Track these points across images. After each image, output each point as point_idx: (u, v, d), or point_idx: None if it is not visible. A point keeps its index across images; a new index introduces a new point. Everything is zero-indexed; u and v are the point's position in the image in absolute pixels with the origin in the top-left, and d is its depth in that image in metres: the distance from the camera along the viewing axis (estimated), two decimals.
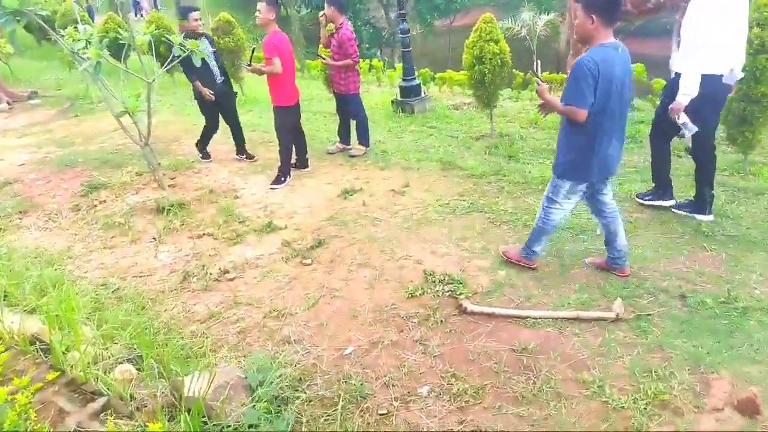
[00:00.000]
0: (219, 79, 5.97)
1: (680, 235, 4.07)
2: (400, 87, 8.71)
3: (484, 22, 6.69)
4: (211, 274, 4.02)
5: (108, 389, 2.40)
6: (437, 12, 26.24)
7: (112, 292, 3.82)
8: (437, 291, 3.58)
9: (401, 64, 8.94)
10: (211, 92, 5.88)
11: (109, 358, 2.75)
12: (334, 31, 5.96)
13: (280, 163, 5.65)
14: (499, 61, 6.64)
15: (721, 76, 3.87)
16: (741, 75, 4.22)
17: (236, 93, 6.30)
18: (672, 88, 4.08)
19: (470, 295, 3.52)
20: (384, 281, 3.77)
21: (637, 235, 4.12)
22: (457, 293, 3.53)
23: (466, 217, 4.60)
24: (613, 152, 3.20)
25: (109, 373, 2.62)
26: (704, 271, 3.60)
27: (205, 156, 6.48)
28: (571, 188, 3.33)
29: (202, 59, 5.09)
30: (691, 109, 3.85)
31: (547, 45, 16.22)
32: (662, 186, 4.56)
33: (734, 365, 2.74)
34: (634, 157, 6.02)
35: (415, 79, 8.69)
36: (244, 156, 6.47)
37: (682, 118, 3.88)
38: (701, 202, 4.27)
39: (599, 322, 3.18)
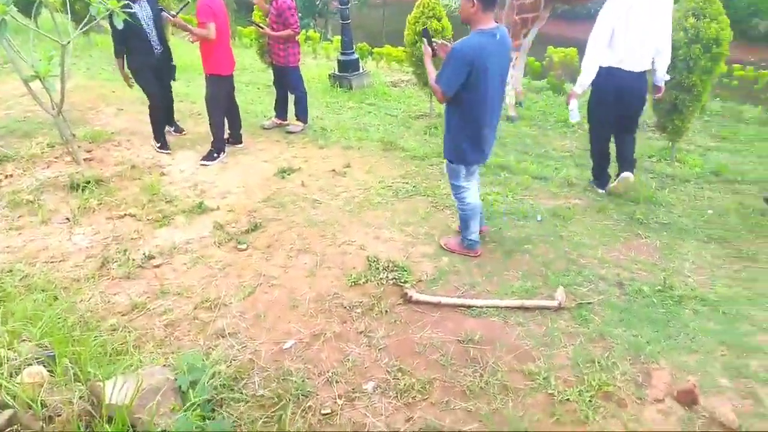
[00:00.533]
0: (157, 49, 5.16)
1: (616, 222, 4.16)
2: (339, 61, 8.41)
3: None
4: (133, 259, 3.68)
5: (14, 399, 2.10)
6: None
7: (20, 280, 3.41)
8: (381, 279, 3.45)
9: (339, 37, 8.64)
10: (132, 80, 5.18)
11: (16, 359, 2.43)
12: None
13: (212, 138, 5.28)
14: (441, 38, 6.49)
15: (610, 68, 4.07)
16: (667, 77, 4.38)
17: (175, 66, 5.52)
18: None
19: (415, 283, 3.43)
20: (326, 268, 3.60)
21: (575, 221, 4.16)
22: (402, 281, 3.42)
23: (409, 200, 4.48)
24: (492, 135, 3.35)
25: (16, 377, 2.31)
26: (640, 258, 3.69)
27: (164, 146, 5.48)
28: (467, 170, 3.44)
29: (139, 24, 4.60)
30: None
31: None
32: (597, 173, 4.71)
33: (672, 355, 2.81)
34: (566, 142, 6.12)
35: (353, 53, 8.42)
36: (173, 128, 5.91)
37: (571, 105, 4.25)
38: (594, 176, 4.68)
39: (542, 310, 3.17)
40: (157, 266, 3.64)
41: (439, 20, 6.47)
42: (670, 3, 4.11)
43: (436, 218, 4.21)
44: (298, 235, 3.99)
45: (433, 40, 3.36)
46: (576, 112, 4.29)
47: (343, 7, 8.06)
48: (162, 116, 5.55)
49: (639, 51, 4.07)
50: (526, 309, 3.18)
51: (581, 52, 8.14)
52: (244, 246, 3.87)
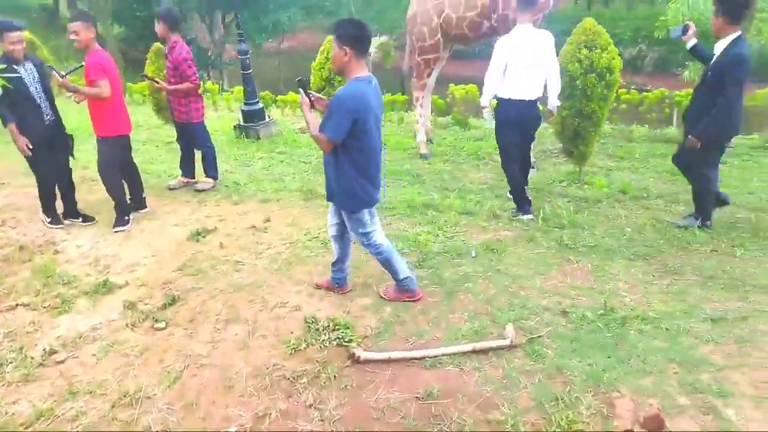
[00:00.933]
0: (48, 116, 4.59)
1: (547, 249, 4.20)
2: (243, 111, 8.14)
3: (330, 42, 6.49)
4: (32, 357, 3.16)
5: None
6: (265, 33, 25.79)
7: None
8: (323, 341, 3.20)
9: (240, 87, 8.40)
10: (30, 146, 4.47)
11: None
12: (166, 51, 5.29)
13: (115, 203, 4.81)
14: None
15: (508, 99, 4.57)
16: (558, 103, 4.81)
17: (72, 137, 4.89)
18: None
19: (360, 340, 3.20)
20: (260, 337, 3.28)
21: (508, 253, 4.16)
22: (346, 340, 3.18)
23: None
24: (377, 178, 3.31)
25: None
26: (577, 284, 3.71)
27: (56, 220, 4.88)
28: (370, 213, 3.36)
29: (27, 90, 4.15)
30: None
31: (381, 67, 16.68)
32: (519, 200, 4.91)
33: (629, 380, 2.78)
34: (481, 174, 6.24)
35: (258, 102, 8.19)
36: (80, 219, 4.99)
37: (486, 114, 4.97)
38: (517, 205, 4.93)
39: (496, 351, 3.06)
40: (61, 362, 3.14)
41: None
42: (551, 39, 4.59)
43: (371, 266, 4.02)
44: (223, 303, 3.64)
45: (309, 91, 3.24)
46: (490, 118, 4.95)
47: (243, 57, 7.86)
48: (53, 194, 4.88)
49: (528, 82, 4.53)
50: (479, 352, 3.06)
51: (480, 88, 8.51)
52: (162, 324, 3.46)
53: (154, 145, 7.73)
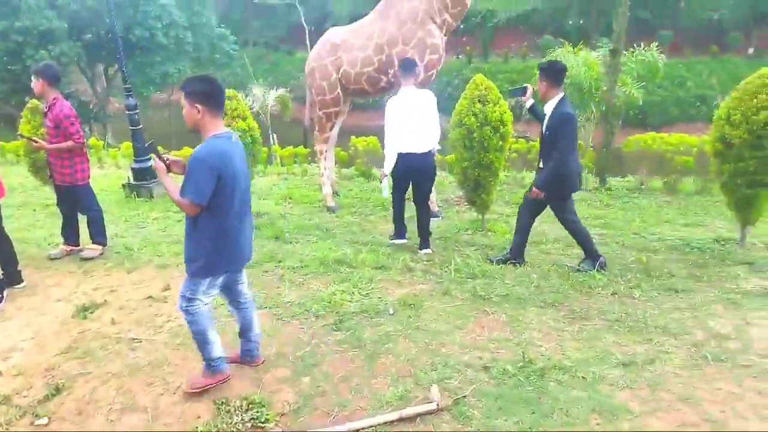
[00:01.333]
0: None
1: (463, 302, 4.21)
2: (133, 169, 7.64)
3: (228, 98, 6.29)
4: None
5: None
6: (153, 86, 24.94)
7: None
8: (236, 423, 2.90)
9: (128, 143, 7.91)
10: None
11: None
12: (45, 109, 4.83)
13: None
14: (249, 138, 6.29)
15: (405, 154, 5.06)
16: (438, 147, 5.33)
17: None
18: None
19: (278, 419, 2.95)
20: (162, 426, 2.92)
21: (426, 308, 4.11)
22: (262, 421, 2.92)
23: None
24: (244, 241, 3.09)
25: None
26: (494, 336, 3.73)
27: None
28: (210, 283, 3.03)
29: None
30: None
31: (279, 119, 16.64)
32: (398, 228, 5.54)
33: None
34: (390, 226, 6.23)
35: (150, 159, 7.73)
36: None
37: (383, 183, 5.35)
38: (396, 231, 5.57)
39: (423, 416, 2.95)
40: None
41: (244, 119, 6.28)
42: (433, 97, 5.15)
43: (285, 333, 3.79)
44: (117, 389, 3.22)
45: (162, 155, 3.04)
46: (386, 188, 5.37)
47: (131, 112, 7.44)
48: None
49: (418, 137, 5.03)
50: (406, 419, 2.92)
51: (380, 138, 8.69)
52: (44, 420, 2.98)
53: (30, 209, 6.99)
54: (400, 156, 5.11)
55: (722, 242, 5.42)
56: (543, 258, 5.14)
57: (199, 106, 2.81)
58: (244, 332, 3.39)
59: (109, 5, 7.11)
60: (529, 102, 4.86)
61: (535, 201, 4.71)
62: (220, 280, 3.08)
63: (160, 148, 3.78)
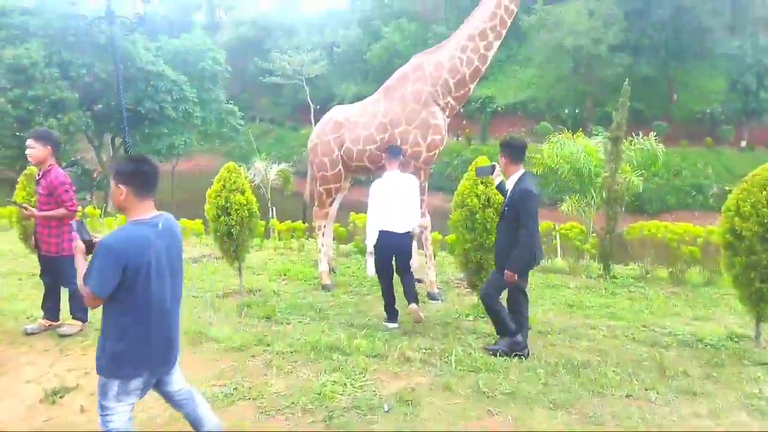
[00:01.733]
0: None
1: (464, 399, 3.87)
2: None
3: (228, 171, 6.24)
4: None
5: None
6: (158, 156, 25.31)
7: None
8: None
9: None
10: None
11: None
12: (39, 176, 4.72)
13: None
14: (246, 212, 6.17)
15: (385, 231, 5.28)
16: (418, 229, 5.63)
17: None
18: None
19: None
20: None
21: (424, 405, 3.77)
22: None
23: (230, 409, 3.65)
24: (160, 341, 2.73)
25: None
26: None
27: None
28: (121, 388, 2.64)
29: None
30: None
31: (280, 193, 16.69)
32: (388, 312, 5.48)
33: None
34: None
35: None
36: None
37: (368, 264, 5.68)
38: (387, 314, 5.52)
39: None
40: None
41: (242, 193, 6.18)
42: (416, 181, 5.52)
43: (268, 428, 3.45)
44: None
45: (92, 235, 2.79)
46: (372, 268, 5.56)
47: None
48: None
49: (399, 218, 5.28)
50: None
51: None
52: None
53: (16, 278, 6.75)
54: (381, 233, 5.31)
55: (736, 339, 5.14)
56: (548, 350, 4.84)
57: (122, 187, 2.61)
58: (197, 429, 2.96)
59: (117, 78, 7.23)
60: (498, 179, 4.86)
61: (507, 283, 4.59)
62: (134, 384, 2.66)
63: (97, 225, 3.55)
